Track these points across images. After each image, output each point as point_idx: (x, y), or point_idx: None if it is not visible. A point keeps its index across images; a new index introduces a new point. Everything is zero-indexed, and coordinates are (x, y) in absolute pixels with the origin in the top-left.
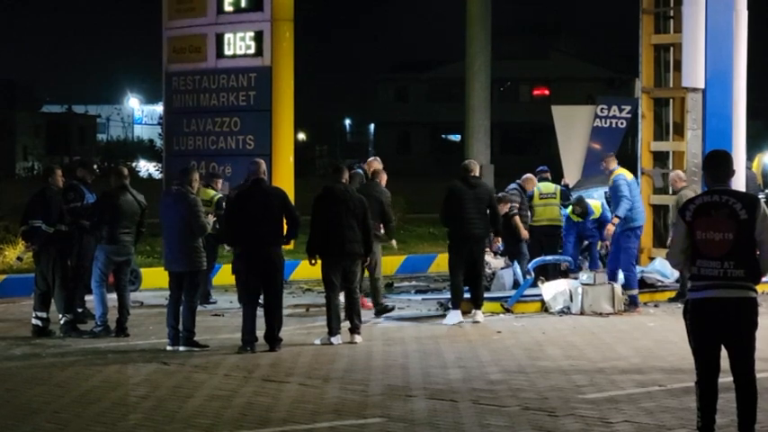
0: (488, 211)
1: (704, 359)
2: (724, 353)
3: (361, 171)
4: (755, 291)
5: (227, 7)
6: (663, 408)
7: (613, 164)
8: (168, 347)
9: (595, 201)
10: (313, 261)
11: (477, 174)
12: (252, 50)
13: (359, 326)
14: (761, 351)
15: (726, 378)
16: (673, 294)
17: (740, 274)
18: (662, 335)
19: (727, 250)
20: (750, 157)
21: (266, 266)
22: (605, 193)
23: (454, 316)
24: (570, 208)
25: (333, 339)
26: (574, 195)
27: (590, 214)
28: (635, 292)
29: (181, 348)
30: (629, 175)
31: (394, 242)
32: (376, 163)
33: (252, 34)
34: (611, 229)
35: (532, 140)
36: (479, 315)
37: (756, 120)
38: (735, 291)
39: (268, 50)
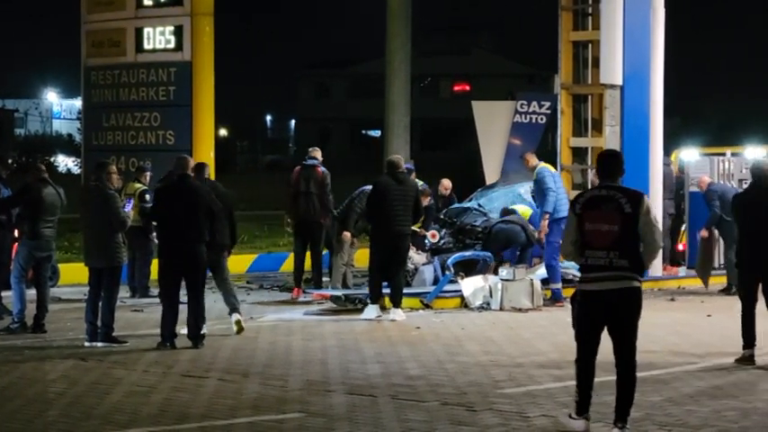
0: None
1: (587, 344)
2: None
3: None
4: (639, 281)
5: (147, 1)
6: None
7: (534, 160)
8: (86, 344)
9: (525, 208)
10: None
11: (404, 169)
12: (172, 45)
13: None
14: (676, 345)
15: (649, 372)
16: None
17: (624, 263)
18: None
19: (613, 241)
20: (668, 153)
21: (188, 263)
22: (530, 188)
23: (372, 311)
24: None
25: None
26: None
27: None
28: (557, 286)
29: (99, 344)
30: (552, 169)
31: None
32: (317, 152)
33: (172, 29)
34: (544, 225)
35: (453, 136)
36: (398, 313)
37: (674, 116)
38: (621, 282)
39: (188, 45)
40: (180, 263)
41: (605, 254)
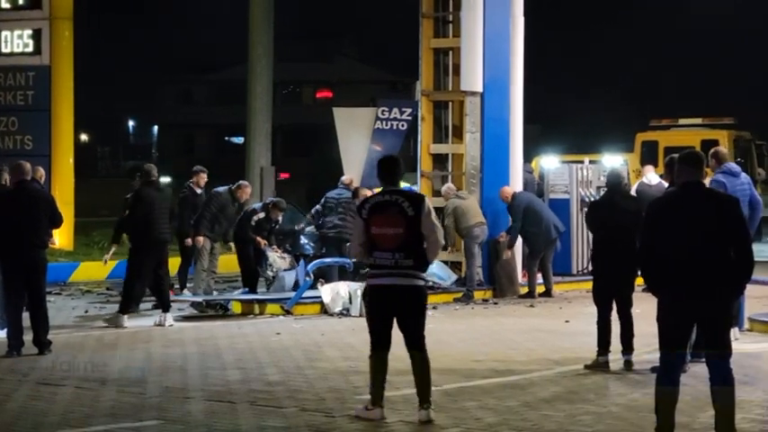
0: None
1: (377, 335)
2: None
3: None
4: (423, 279)
5: (5, 4)
6: (438, 407)
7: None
8: None
9: None
10: None
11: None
12: (30, 49)
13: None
14: (534, 351)
15: (506, 377)
16: (459, 295)
17: (409, 263)
18: (438, 336)
19: (398, 243)
20: (528, 160)
21: (29, 270)
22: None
23: (123, 319)
24: None
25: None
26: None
27: None
28: None
29: None
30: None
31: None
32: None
33: (30, 32)
34: None
35: (315, 143)
36: (170, 318)
37: (534, 124)
38: (404, 279)
39: (47, 49)
40: (22, 268)
41: (391, 255)
